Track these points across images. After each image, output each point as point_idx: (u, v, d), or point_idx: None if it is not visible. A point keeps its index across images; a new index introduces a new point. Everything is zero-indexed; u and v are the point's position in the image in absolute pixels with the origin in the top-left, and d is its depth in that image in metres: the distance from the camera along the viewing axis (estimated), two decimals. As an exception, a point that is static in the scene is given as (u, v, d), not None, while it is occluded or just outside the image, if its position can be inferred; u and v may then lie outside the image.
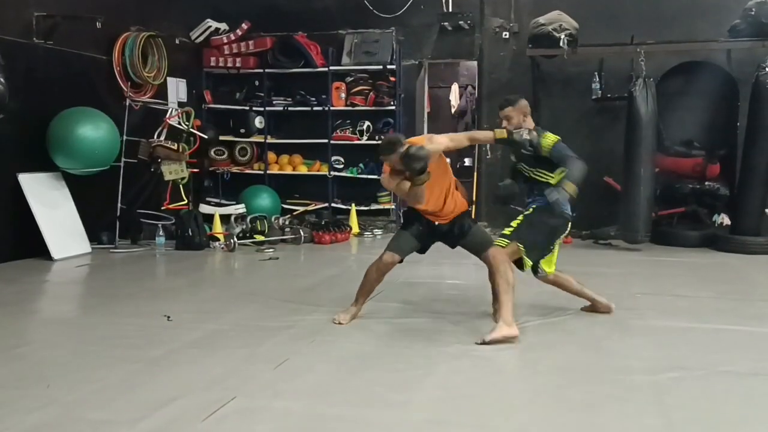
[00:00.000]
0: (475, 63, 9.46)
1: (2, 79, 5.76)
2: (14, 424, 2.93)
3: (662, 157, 7.93)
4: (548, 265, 4.59)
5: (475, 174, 9.06)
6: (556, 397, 3.29)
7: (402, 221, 4.84)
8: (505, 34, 8.90)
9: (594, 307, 4.84)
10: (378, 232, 9.00)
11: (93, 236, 7.36)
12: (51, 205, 6.93)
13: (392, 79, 9.11)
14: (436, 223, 4.58)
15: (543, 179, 4.48)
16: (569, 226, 4.55)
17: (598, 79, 8.32)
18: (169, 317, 4.61)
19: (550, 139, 4.38)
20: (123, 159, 7.54)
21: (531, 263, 4.44)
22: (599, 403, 3.21)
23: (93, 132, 7.01)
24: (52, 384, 3.41)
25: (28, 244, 6.70)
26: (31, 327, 4.63)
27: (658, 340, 4.23)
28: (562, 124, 8.69)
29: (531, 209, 4.47)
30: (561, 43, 7.75)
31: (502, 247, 4.35)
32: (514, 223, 4.45)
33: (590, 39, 8.01)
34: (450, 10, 8.96)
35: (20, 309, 5.06)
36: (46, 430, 2.90)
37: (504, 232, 4.44)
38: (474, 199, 9.01)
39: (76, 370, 3.62)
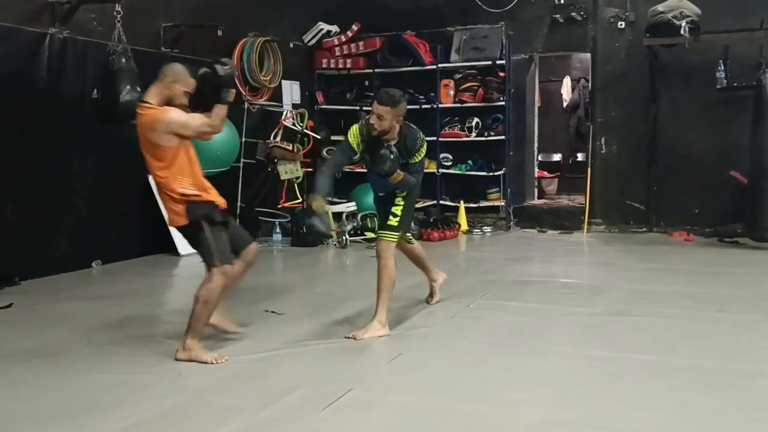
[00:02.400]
0: (588, 55, 9.19)
1: (138, 88, 6.17)
2: (151, 407, 3.16)
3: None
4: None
5: (589, 170, 8.80)
6: (675, 400, 3.17)
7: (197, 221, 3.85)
8: (621, 24, 8.59)
9: (434, 285, 4.97)
10: (487, 229, 8.95)
11: (215, 233, 7.76)
12: (178, 203, 7.37)
13: (502, 74, 9.00)
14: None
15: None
16: None
17: (723, 68, 7.86)
18: (273, 311, 4.80)
19: (422, 154, 4.34)
20: (242, 160, 7.91)
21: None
22: (726, 409, 3.07)
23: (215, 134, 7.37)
24: (183, 371, 3.65)
25: (158, 240, 7.17)
26: (161, 317, 4.96)
27: (792, 344, 3.98)
28: (684, 116, 8.33)
29: (405, 193, 4.38)
30: (682, 31, 7.40)
31: (392, 241, 4.33)
32: (398, 211, 4.35)
33: (714, 25, 7.59)
34: (562, 1, 8.75)
35: (152, 300, 5.45)
36: (179, 413, 3.11)
37: (390, 223, 4.36)
38: (588, 195, 8.77)
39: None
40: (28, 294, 5.43)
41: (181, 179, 3.82)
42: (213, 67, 3.86)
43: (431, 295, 5.04)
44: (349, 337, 4.13)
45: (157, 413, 3.10)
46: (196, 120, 3.85)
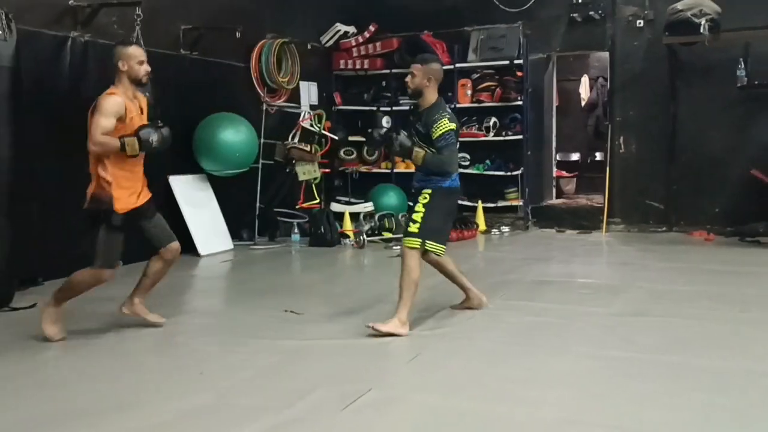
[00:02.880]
0: (606, 54, 9.15)
1: (147, 92, 5.95)
2: (174, 408, 3.20)
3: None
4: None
5: (607, 169, 8.76)
6: (694, 401, 3.16)
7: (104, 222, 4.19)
8: (639, 23, 8.55)
9: (467, 302, 4.74)
10: (505, 229, 8.93)
11: (234, 233, 7.83)
12: (197, 204, 7.45)
13: (519, 73, 8.98)
14: (138, 206, 4.23)
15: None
16: None
17: (743, 66, 7.80)
18: (293, 311, 4.82)
19: (443, 127, 4.23)
20: (261, 161, 7.97)
21: (444, 247, 4.40)
22: (745, 411, 3.05)
23: (234, 136, 7.44)
24: (205, 371, 3.70)
25: (178, 240, 7.22)
26: (183, 318, 5.01)
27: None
28: (704, 114, 8.26)
29: (426, 195, 4.33)
30: (701, 29, 7.35)
31: (413, 247, 4.24)
32: (417, 218, 4.28)
33: (734, 23, 7.53)
34: (579, 0, 8.72)
35: (173, 301, 5.49)
36: (203, 413, 3.14)
37: (410, 230, 4.28)
38: (607, 194, 8.72)
39: (225, 359, 3.91)
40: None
41: (105, 164, 4.07)
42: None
43: (463, 302, 4.84)
44: (368, 326, 4.15)
45: (180, 413, 3.13)
46: (102, 124, 4.01)
